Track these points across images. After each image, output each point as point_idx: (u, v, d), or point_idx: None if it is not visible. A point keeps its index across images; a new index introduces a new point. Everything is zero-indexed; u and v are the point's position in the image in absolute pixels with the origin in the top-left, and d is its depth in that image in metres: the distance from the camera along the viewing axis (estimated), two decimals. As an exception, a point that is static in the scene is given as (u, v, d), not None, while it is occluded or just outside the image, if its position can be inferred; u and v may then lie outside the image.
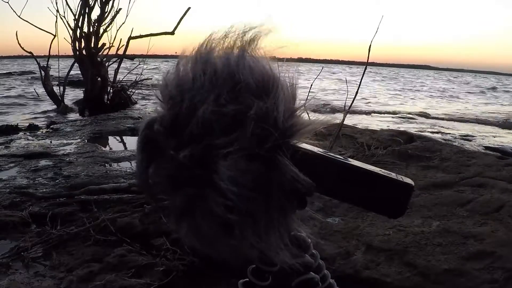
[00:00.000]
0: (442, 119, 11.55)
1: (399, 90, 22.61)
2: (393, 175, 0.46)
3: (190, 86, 0.43)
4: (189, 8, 8.86)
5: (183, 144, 0.41)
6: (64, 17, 9.08)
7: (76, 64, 9.61)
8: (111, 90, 9.73)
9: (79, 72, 9.83)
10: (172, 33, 8.92)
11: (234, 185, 0.39)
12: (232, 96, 0.41)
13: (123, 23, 9.56)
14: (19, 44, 9.19)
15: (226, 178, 0.40)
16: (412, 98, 18.36)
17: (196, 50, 0.46)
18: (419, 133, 7.02)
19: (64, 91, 9.94)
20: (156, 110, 0.45)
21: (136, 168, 0.46)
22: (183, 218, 0.44)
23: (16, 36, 9.08)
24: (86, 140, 6.23)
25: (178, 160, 0.41)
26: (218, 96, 0.41)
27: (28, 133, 6.81)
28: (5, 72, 23.82)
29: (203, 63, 0.44)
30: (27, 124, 7.44)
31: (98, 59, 9.30)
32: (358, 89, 3.88)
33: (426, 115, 12.05)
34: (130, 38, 9.43)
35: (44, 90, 9.83)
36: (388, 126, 8.85)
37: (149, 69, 12.60)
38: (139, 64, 10.59)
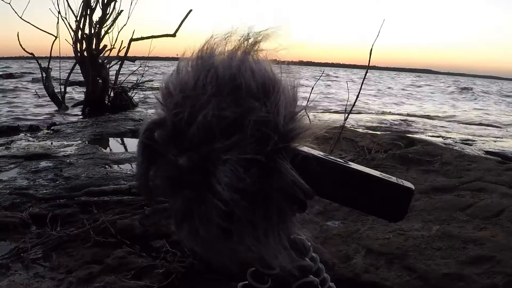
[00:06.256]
0: None
1: None
2: (393, 179, 0.46)
3: (191, 89, 0.42)
4: (190, 10, 8.89)
5: (184, 149, 0.41)
6: (66, 18, 9.13)
7: (77, 66, 9.63)
8: (112, 92, 9.74)
9: (80, 73, 9.85)
10: (174, 35, 8.93)
11: (232, 191, 0.39)
12: (233, 100, 0.41)
13: (125, 24, 9.60)
14: (20, 45, 9.22)
15: (224, 183, 0.39)
16: None
17: (197, 52, 0.45)
18: (420, 137, 7.01)
19: (65, 92, 9.96)
20: (157, 112, 0.45)
21: (136, 170, 0.46)
22: (183, 220, 0.44)
23: (18, 37, 9.12)
24: (86, 142, 6.23)
25: (178, 164, 0.41)
26: (219, 100, 0.41)
27: (28, 134, 6.81)
28: (6, 73, 23.82)
29: (205, 67, 0.43)
30: (28, 125, 7.45)
31: (99, 60, 9.32)
32: (359, 93, 3.88)
33: None
34: (132, 40, 9.46)
35: (45, 91, 9.85)
36: None
37: (151, 71, 12.61)
38: (140, 66, 10.62)
